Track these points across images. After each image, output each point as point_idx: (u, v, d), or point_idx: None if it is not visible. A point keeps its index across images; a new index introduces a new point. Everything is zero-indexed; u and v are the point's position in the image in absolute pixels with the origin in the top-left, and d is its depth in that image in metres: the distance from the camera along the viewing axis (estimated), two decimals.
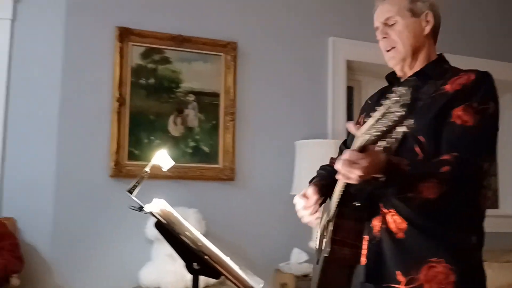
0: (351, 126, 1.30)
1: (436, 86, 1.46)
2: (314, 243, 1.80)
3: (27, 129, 3.10)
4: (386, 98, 1.14)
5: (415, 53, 1.54)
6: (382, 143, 1.19)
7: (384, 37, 1.56)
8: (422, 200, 1.34)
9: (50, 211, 3.03)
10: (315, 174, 1.79)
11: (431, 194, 1.32)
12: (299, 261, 3.22)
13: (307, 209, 1.58)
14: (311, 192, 1.59)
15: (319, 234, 1.69)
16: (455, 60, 1.64)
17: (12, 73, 3.11)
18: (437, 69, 1.54)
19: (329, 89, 3.68)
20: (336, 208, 1.44)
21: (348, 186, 1.36)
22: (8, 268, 2.67)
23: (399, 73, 1.60)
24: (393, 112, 1.10)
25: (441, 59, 1.59)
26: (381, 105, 1.14)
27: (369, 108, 1.73)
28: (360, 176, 1.25)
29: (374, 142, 1.18)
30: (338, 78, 3.70)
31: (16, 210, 3.01)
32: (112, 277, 3.07)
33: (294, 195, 1.67)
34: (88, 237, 3.07)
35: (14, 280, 2.62)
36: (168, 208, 1.40)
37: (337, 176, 1.31)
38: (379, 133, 1.14)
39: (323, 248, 1.55)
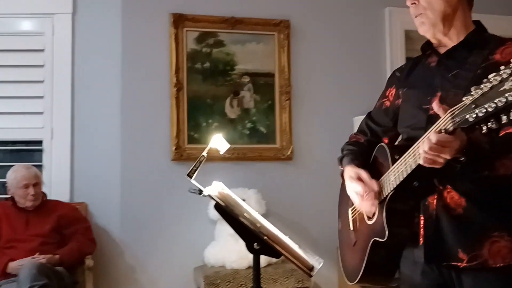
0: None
1: (483, 56, 1.37)
2: (344, 225, 1.73)
3: (92, 119, 3.25)
4: (481, 74, 1.01)
5: (446, 19, 1.43)
6: (488, 124, 1.04)
7: (413, 3, 1.47)
8: (497, 177, 1.28)
9: (118, 195, 3.17)
10: (344, 152, 1.68)
11: (508, 170, 1.27)
12: None
13: (367, 197, 1.49)
14: (367, 177, 1.47)
15: (350, 215, 1.64)
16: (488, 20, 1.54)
17: (75, 65, 3.26)
18: (479, 37, 1.43)
19: (387, 62, 3.56)
20: (392, 190, 1.38)
21: (416, 168, 1.27)
22: (82, 250, 2.84)
23: (432, 40, 1.50)
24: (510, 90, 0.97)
25: (481, 26, 1.49)
26: (473, 81, 1.02)
27: (398, 81, 1.63)
28: (446, 160, 1.19)
29: (473, 123, 1.07)
30: (396, 49, 3.56)
31: (87, 195, 3.19)
32: (179, 256, 3.18)
33: None
34: (154, 219, 3.20)
35: (88, 261, 2.78)
36: (226, 190, 1.42)
37: (419, 161, 1.23)
38: (483, 114, 1.03)
39: (370, 230, 1.50)
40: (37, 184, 2.87)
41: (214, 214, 3.11)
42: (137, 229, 3.18)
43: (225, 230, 3.04)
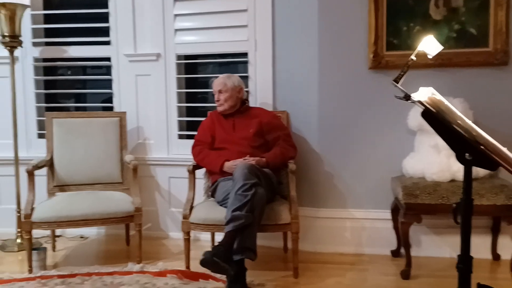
0: None
1: None
2: None
3: (291, 30, 3.31)
4: None
5: None
6: None
7: None
8: None
9: (316, 104, 3.26)
10: None
11: None
12: None
13: None
14: None
15: None
16: None
17: None
18: None
19: None
20: None
21: None
22: (285, 154, 3.05)
23: None
24: None
25: None
26: None
27: None
28: None
29: None
30: None
31: (288, 104, 3.35)
32: (376, 165, 3.19)
33: None
34: (351, 127, 3.23)
35: (291, 165, 2.98)
36: (438, 96, 1.33)
37: None
38: None
39: None
40: (221, 91, 3.09)
41: (413, 124, 2.99)
42: (335, 137, 3.26)
43: (425, 141, 2.91)
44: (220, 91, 3.10)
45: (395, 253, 3.15)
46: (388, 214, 3.13)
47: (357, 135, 3.23)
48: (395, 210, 3.08)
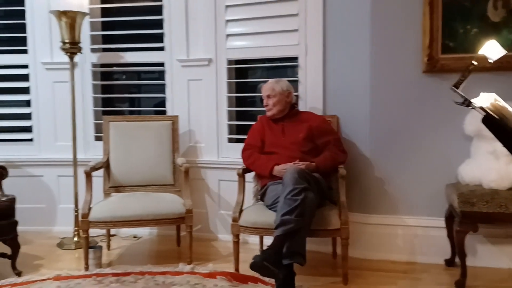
0: None
1: None
2: None
3: (343, 32, 3.28)
4: None
5: None
6: None
7: None
8: None
9: (367, 109, 3.22)
10: None
11: None
12: None
13: None
14: None
15: None
16: None
17: None
18: None
19: None
20: None
21: None
22: (335, 159, 3.02)
23: None
24: None
25: None
26: None
27: None
28: None
29: None
30: None
31: (338, 109, 3.32)
32: (430, 171, 3.11)
33: None
34: (403, 133, 3.16)
35: (342, 170, 2.94)
36: (501, 102, 1.28)
37: None
38: None
39: None
40: (269, 96, 3.11)
41: (470, 129, 2.89)
42: (386, 142, 3.20)
43: (483, 146, 2.81)
44: (268, 96, 3.13)
45: (449, 263, 3.05)
46: (441, 222, 3.04)
47: (410, 140, 3.15)
48: (449, 218, 2.98)
